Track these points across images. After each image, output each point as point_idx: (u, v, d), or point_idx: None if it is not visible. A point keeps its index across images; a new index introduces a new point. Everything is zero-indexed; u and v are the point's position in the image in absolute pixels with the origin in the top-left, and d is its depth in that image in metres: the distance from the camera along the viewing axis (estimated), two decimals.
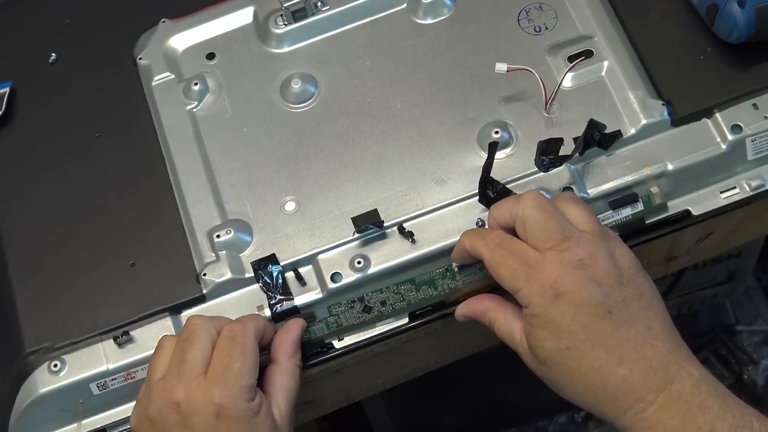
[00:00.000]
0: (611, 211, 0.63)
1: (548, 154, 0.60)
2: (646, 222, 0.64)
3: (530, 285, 0.55)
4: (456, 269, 0.62)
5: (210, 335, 0.57)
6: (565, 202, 0.58)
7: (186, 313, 0.63)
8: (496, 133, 0.64)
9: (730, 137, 0.63)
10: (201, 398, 0.55)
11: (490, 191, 0.61)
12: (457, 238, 0.61)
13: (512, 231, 0.58)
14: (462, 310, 0.61)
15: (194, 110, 0.69)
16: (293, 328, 0.61)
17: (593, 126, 0.61)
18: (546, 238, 0.55)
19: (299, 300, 0.62)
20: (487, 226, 0.61)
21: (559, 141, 0.60)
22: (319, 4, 0.71)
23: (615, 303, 0.54)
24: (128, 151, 0.69)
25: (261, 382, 0.58)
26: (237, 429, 0.55)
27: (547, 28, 0.68)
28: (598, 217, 0.63)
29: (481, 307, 0.60)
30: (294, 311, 0.62)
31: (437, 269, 0.62)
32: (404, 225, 0.63)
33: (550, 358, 0.55)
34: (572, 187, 0.62)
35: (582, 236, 0.56)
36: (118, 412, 0.63)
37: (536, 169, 0.62)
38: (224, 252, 0.63)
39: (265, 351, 0.60)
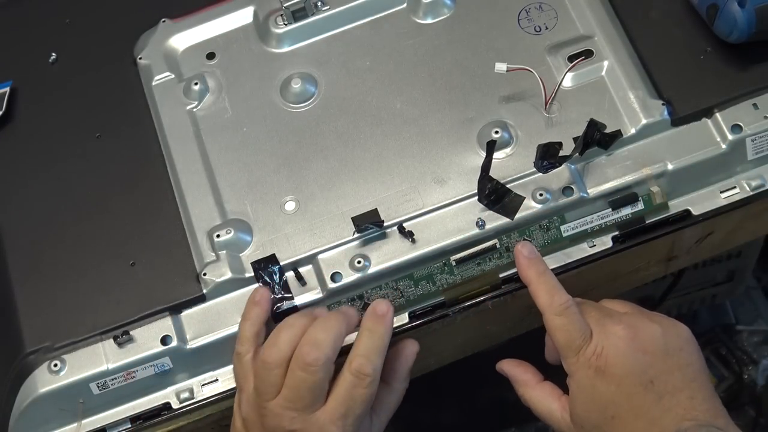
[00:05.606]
0: (611, 211, 0.63)
1: (547, 158, 0.60)
2: (647, 222, 0.64)
3: (578, 356, 0.57)
4: (454, 264, 0.62)
5: (331, 364, 0.57)
6: (601, 302, 0.62)
7: (187, 313, 0.63)
8: (496, 132, 0.64)
9: (730, 137, 0.63)
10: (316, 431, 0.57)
11: (490, 190, 0.61)
12: (458, 237, 0.62)
13: None
14: (504, 366, 0.64)
15: (194, 110, 0.69)
16: (409, 355, 0.62)
17: (593, 126, 0.61)
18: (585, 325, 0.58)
19: (299, 300, 0.62)
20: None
21: (558, 145, 0.60)
22: (319, 3, 0.71)
23: (658, 373, 0.56)
24: (128, 150, 0.69)
25: None
26: None
27: (547, 28, 0.68)
28: (598, 215, 0.63)
29: (521, 377, 0.63)
30: (294, 311, 0.62)
31: (435, 264, 0.63)
32: (404, 225, 0.63)
33: (596, 427, 0.57)
34: (572, 186, 0.62)
35: (624, 314, 0.59)
36: (118, 412, 0.63)
37: None
38: (224, 252, 0.63)
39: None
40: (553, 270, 0.63)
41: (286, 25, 0.71)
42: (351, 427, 0.57)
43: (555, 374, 0.62)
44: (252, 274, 0.63)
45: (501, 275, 0.63)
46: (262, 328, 0.60)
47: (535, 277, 0.60)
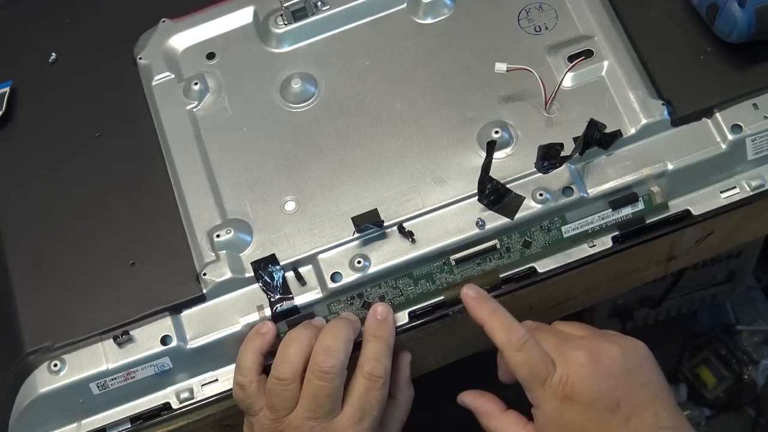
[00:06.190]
0: (611, 211, 0.63)
1: (548, 158, 0.60)
2: (647, 222, 0.64)
3: (544, 388, 0.56)
4: (453, 264, 0.62)
5: (345, 370, 0.59)
6: (555, 325, 0.61)
7: (187, 313, 0.63)
8: (496, 132, 0.64)
9: (730, 137, 0.63)
10: None
11: (490, 190, 0.61)
12: (458, 238, 0.62)
13: None
14: (466, 398, 0.63)
15: (194, 110, 0.69)
16: (404, 365, 0.64)
17: (593, 126, 0.61)
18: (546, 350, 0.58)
19: (299, 300, 0.62)
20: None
21: (560, 146, 0.60)
22: (319, 3, 0.71)
23: (623, 394, 0.56)
24: (128, 150, 0.69)
25: None
26: None
27: (547, 28, 0.68)
28: (598, 215, 0.63)
29: (484, 408, 0.62)
30: (294, 311, 0.62)
31: (435, 264, 0.63)
32: (404, 225, 0.63)
33: None
34: (572, 186, 0.62)
35: (581, 338, 0.58)
36: (118, 412, 0.63)
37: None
38: (224, 252, 0.63)
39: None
40: (553, 270, 0.63)
41: (286, 25, 0.71)
42: (368, 430, 0.59)
43: (515, 396, 0.61)
44: (252, 274, 0.63)
45: (501, 275, 0.63)
46: (263, 359, 0.61)
47: (488, 315, 0.59)
